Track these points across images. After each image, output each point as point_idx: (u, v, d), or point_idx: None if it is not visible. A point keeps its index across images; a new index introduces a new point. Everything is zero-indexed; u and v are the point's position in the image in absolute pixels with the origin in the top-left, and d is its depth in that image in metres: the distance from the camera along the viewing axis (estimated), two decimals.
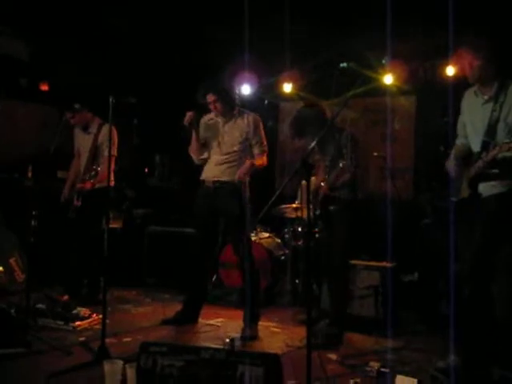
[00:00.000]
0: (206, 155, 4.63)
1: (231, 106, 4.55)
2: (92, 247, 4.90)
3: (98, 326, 4.14)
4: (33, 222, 4.04)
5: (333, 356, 3.79)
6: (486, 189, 3.38)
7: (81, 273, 5.16)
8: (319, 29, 5.77)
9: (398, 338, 4.30)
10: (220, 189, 4.47)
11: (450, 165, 3.63)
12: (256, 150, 4.56)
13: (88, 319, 4.39)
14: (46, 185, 5.30)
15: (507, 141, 3.09)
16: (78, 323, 4.27)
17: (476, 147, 3.45)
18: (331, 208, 4.24)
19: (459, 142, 3.73)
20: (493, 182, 3.34)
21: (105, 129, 5.08)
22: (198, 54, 6.60)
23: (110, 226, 3.76)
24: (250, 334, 4.31)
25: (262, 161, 4.56)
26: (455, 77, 5.50)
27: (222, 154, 4.52)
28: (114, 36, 6.22)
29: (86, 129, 5.23)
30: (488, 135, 3.34)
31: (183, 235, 6.11)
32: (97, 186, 4.88)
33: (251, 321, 4.40)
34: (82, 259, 5.07)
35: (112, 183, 5.05)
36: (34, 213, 4.05)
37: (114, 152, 4.99)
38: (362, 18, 5.42)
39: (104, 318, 3.57)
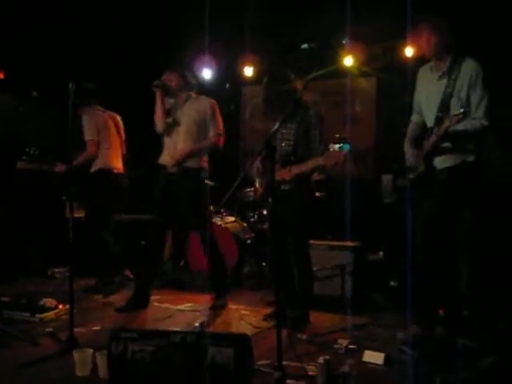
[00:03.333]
0: (170, 119, 4.63)
1: (188, 87, 4.62)
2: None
3: (65, 316, 4.10)
4: None
5: (301, 335, 3.84)
6: (439, 162, 3.54)
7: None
8: (279, 11, 5.76)
9: (365, 315, 4.40)
10: (181, 173, 4.52)
11: (408, 150, 3.77)
12: (211, 132, 4.62)
13: (54, 310, 4.33)
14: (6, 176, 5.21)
15: (456, 113, 3.23)
16: (44, 314, 4.21)
17: (430, 122, 3.61)
18: (285, 188, 4.05)
19: (414, 118, 3.91)
20: (446, 156, 3.49)
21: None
22: (159, 40, 6.51)
23: (75, 215, 3.68)
24: (220, 303, 4.56)
25: (215, 141, 4.61)
26: (414, 58, 5.60)
27: (184, 134, 4.56)
28: (72, 19, 6.07)
29: None
30: (441, 110, 3.49)
31: (147, 222, 6.12)
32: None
33: (221, 291, 4.65)
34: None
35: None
36: None
37: (93, 136, 5.16)
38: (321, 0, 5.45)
39: (71, 308, 3.53)
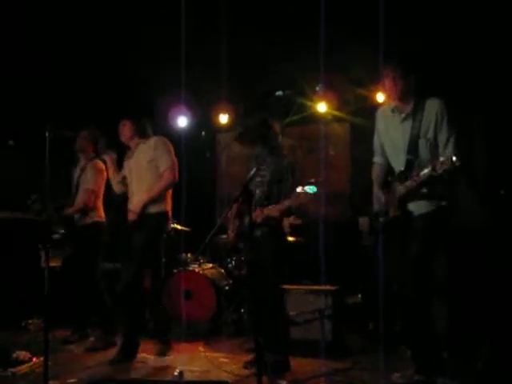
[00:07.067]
0: (121, 178, 4.75)
1: (142, 133, 4.63)
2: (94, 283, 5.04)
3: (39, 369, 3.98)
4: None
5: (282, 382, 3.79)
6: (415, 207, 3.52)
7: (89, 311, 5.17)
8: (253, 60, 5.88)
9: (346, 359, 4.38)
10: (140, 221, 4.47)
11: (378, 196, 3.78)
12: (161, 168, 4.50)
13: (28, 363, 4.21)
14: None
15: (443, 160, 3.14)
16: (17, 368, 4.08)
17: (399, 165, 3.58)
18: (257, 233, 4.09)
19: (377, 159, 3.90)
20: (422, 201, 3.49)
21: (91, 164, 5.14)
22: (135, 89, 6.57)
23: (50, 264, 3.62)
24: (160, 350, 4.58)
25: (167, 178, 4.48)
26: (385, 102, 5.76)
27: (137, 182, 4.57)
28: (49, 69, 6.10)
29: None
30: (410, 153, 3.50)
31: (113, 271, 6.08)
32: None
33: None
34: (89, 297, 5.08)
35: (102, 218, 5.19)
36: None
37: (95, 187, 5.10)
38: (295, 47, 5.57)
39: (46, 360, 3.43)
